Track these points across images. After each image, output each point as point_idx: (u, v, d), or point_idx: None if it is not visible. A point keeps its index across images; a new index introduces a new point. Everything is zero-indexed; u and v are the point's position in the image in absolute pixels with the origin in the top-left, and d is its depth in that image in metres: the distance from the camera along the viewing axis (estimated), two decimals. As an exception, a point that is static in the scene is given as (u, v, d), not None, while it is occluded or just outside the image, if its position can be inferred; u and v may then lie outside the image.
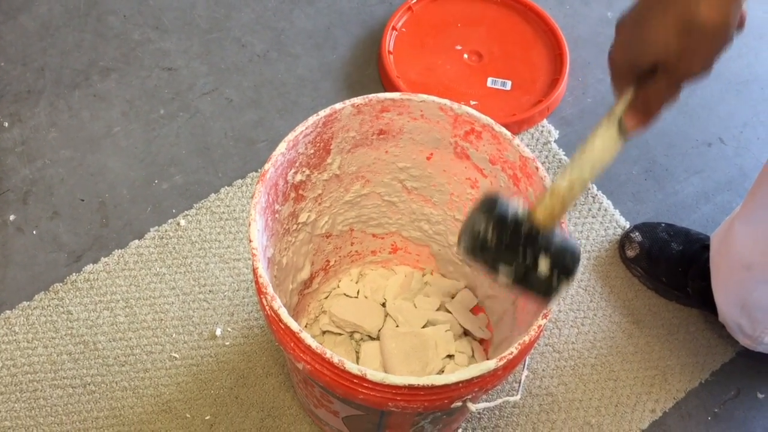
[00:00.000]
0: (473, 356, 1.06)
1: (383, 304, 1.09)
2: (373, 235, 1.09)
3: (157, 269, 1.16)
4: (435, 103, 0.88)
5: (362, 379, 0.71)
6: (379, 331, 1.06)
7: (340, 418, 0.90)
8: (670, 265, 1.13)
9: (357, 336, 1.07)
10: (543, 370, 1.10)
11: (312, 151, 0.89)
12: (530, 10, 1.41)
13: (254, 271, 0.77)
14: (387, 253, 1.12)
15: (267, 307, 0.76)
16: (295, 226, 0.95)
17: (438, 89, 1.31)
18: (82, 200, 1.22)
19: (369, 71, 1.38)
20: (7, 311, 1.11)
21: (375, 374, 0.70)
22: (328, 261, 1.07)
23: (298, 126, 0.85)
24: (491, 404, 0.81)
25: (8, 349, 1.08)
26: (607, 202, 1.25)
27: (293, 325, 0.72)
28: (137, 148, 1.28)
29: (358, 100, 0.87)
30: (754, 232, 0.94)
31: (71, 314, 1.11)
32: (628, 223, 1.23)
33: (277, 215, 0.88)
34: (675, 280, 1.13)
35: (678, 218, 1.25)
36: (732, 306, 1.00)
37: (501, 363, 0.72)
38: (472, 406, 0.76)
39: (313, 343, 0.72)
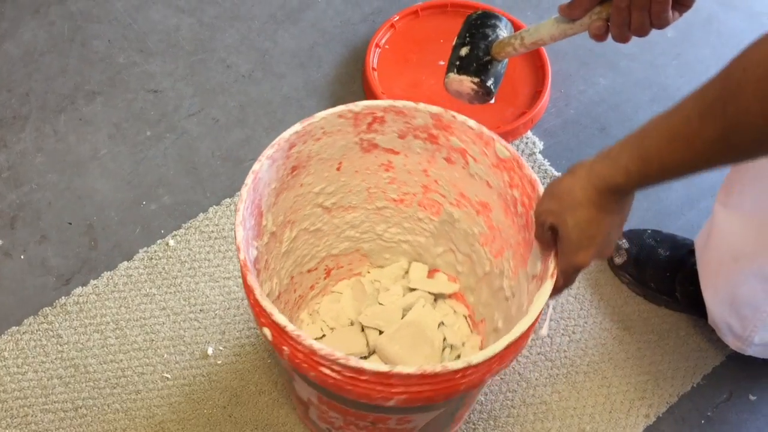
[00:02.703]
0: (455, 312, 1.09)
1: (351, 324, 1.08)
2: (308, 271, 1.06)
3: (147, 290, 1.15)
4: (334, 115, 0.89)
5: (448, 373, 0.71)
6: (368, 346, 1.06)
7: None
8: (658, 271, 1.14)
9: None
10: (536, 379, 1.10)
11: (253, 222, 0.85)
12: (511, 24, 1.42)
13: (274, 327, 0.75)
14: (323, 280, 1.10)
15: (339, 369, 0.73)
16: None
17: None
18: (70, 223, 1.22)
19: (354, 88, 1.40)
20: (-4, 337, 1.10)
21: (454, 364, 0.71)
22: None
23: (239, 203, 0.81)
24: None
25: (-2, 375, 1.07)
26: (593, 211, 1.26)
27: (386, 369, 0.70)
28: (124, 170, 1.28)
29: (270, 150, 0.85)
30: (738, 220, 0.94)
31: (61, 338, 1.11)
32: (615, 230, 1.24)
33: None
34: (663, 285, 1.14)
35: (664, 225, 1.26)
36: (721, 304, 1.01)
37: (532, 313, 0.75)
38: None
39: (411, 369, 0.70)
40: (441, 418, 0.89)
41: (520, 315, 0.86)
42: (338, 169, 0.96)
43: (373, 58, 1.38)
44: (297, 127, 0.87)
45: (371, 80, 1.34)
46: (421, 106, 0.90)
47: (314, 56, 1.44)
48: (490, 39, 0.88)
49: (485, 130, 0.89)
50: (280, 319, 0.73)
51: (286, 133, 0.86)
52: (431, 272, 1.11)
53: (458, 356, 1.06)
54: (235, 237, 0.79)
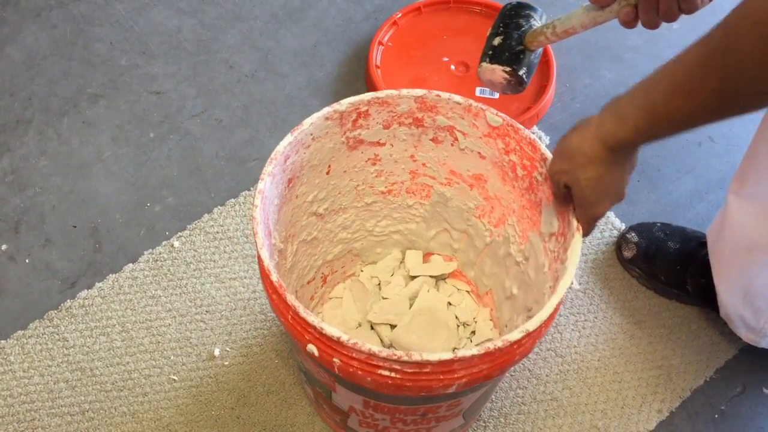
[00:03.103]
0: (459, 290, 1.10)
1: (359, 326, 1.07)
2: (308, 282, 1.04)
3: (153, 292, 1.14)
4: (320, 118, 0.86)
5: (508, 346, 0.71)
6: (383, 343, 1.05)
7: (461, 414, 0.89)
8: (668, 264, 1.13)
9: None
10: (546, 375, 1.09)
11: (268, 243, 0.82)
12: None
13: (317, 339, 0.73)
14: (320, 288, 1.08)
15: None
16: None
17: (427, 101, 1.31)
18: (75, 226, 1.21)
19: (357, 86, 1.39)
20: (2, 341, 1.09)
21: (513, 335, 0.71)
22: None
23: (254, 225, 0.79)
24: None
25: (4, 379, 1.07)
26: (601, 205, 1.25)
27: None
28: (128, 172, 1.27)
29: (269, 166, 0.82)
30: (753, 210, 0.93)
31: (67, 341, 1.10)
32: (623, 224, 1.23)
33: None
34: (674, 278, 1.12)
35: (673, 218, 1.24)
36: (734, 296, 0.99)
37: (570, 270, 0.77)
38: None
39: (474, 351, 0.70)
40: (484, 395, 0.89)
41: (542, 276, 0.87)
42: (327, 173, 0.94)
43: (377, 56, 1.37)
44: (289, 137, 0.84)
45: (375, 78, 1.33)
46: (404, 92, 0.89)
47: (317, 55, 1.43)
48: (523, 29, 0.88)
49: (473, 102, 0.88)
50: (332, 331, 0.70)
51: (281, 146, 0.84)
52: (426, 256, 1.11)
53: (473, 332, 1.07)
54: (261, 261, 0.75)
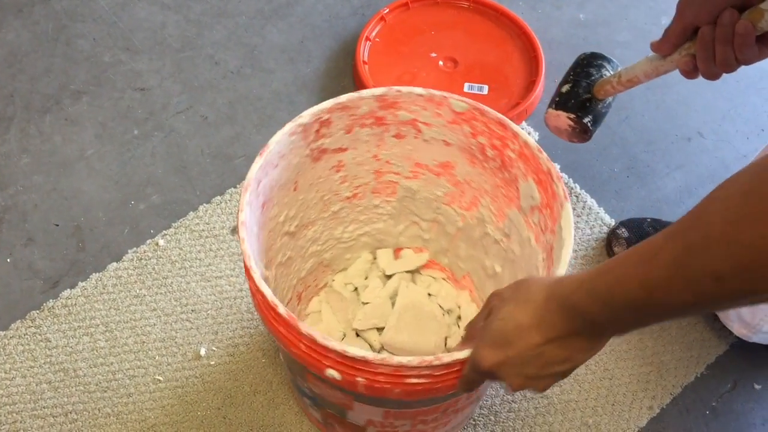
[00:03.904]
0: (435, 279, 1.09)
1: (344, 336, 1.05)
2: (286, 304, 1.01)
3: (137, 291, 1.13)
4: (285, 135, 0.83)
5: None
6: (373, 348, 1.03)
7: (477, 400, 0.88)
8: (658, 260, 1.11)
9: None
10: (537, 373, 1.08)
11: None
12: (503, 15, 1.41)
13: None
14: (297, 306, 1.05)
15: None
16: None
17: (415, 96, 1.30)
18: (57, 225, 1.19)
19: (345, 83, 1.37)
20: (-17, 342, 1.07)
21: None
22: None
23: (246, 261, 0.75)
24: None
25: (-15, 381, 1.05)
26: (591, 201, 1.24)
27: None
28: (112, 169, 1.25)
29: (247, 195, 0.78)
30: None
31: (49, 342, 1.08)
32: (613, 220, 1.22)
33: None
34: (664, 274, 1.11)
35: (662, 213, 1.24)
36: None
37: (568, 240, 0.75)
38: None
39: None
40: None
41: (528, 249, 0.87)
42: (295, 189, 0.91)
43: (364, 52, 1.36)
44: (259, 161, 0.81)
45: (362, 74, 1.32)
46: (365, 92, 0.86)
47: (304, 51, 1.41)
48: (593, 78, 0.89)
49: (435, 92, 0.87)
50: (356, 352, 0.67)
51: (252, 171, 0.80)
52: (395, 252, 1.10)
53: (458, 317, 1.06)
54: (263, 296, 0.72)
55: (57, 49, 1.39)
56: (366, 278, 1.08)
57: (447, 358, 0.67)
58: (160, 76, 1.36)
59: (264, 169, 0.82)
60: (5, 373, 1.05)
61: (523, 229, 0.88)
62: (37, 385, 1.05)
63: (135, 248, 1.16)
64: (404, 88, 0.87)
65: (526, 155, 0.84)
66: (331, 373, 0.70)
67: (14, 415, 1.02)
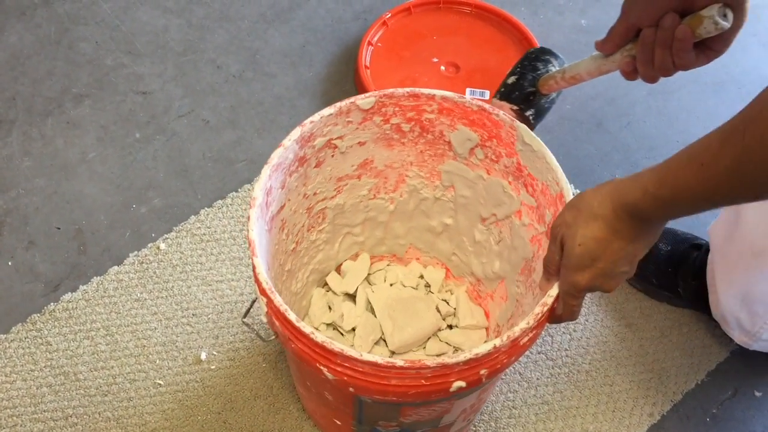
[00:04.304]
0: (383, 268, 1.11)
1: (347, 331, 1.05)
2: None
3: (138, 295, 1.13)
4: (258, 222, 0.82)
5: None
6: (373, 346, 1.04)
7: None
8: (660, 266, 1.12)
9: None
10: (537, 379, 1.08)
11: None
12: (505, 20, 1.41)
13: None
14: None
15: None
16: None
17: (417, 101, 1.30)
18: (59, 228, 1.19)
19: (346, 87, 1.37)
20: (-16, 345, 1.07)
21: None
22: None
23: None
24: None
25: (-15, 384, 1.05)
26: (592, 207, 1.24)
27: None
28: (113, 173, 1.25)
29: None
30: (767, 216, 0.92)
31: (50, 345, 1.08)
32: (614, 226, 1.22)
33: None
34: (665, 280, 1.12)
35: (664, 220, 1.24)
36: (733, 298, 0.98)
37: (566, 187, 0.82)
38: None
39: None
40: None
41: (483, 184, 0.95)
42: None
43: (366, 56, 1.36)
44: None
45: (364, 78, 1.32)
46: (287, 141, 0.85)
47: (306, 55, 1.41)
48: (539, 72, 0.91)
49: (342, 103, 0.88)
50: (459, 357, 0.69)
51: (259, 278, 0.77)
52: (338, 269, 1.09)
53: (426, 285, 1.10)
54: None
55: (59, 53, 1.39)
56: (331, 310, 1.06)
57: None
58: (162, 80, 1.37)
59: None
60: (6, 376, 1.05)
61: (468, 172, 0.95)
62: (37, 388, 1.05)
63: (136, 252, 1.16)
64: (316, 116, 0.86)
65: (448, 108, 0.90)
66: (458, 384, 0.72)
67: (14, 418, 1.02)
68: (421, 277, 1.11)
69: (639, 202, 0.64)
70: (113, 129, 1.30)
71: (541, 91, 0.90)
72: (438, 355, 1.03)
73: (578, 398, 1.07)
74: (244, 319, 0.87)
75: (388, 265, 1.12)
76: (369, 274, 1.10)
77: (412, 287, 1.09)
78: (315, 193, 0.96)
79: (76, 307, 1.11)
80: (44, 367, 1.06)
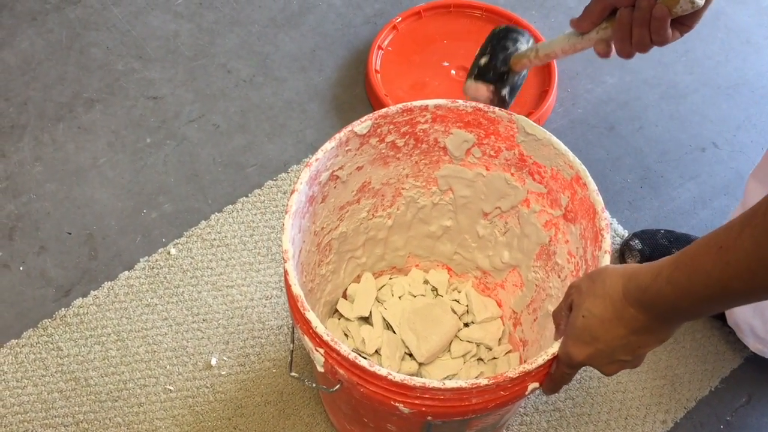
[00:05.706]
0: (387, 283, 1.11)
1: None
2: None
3: (149, 300, 1.13)
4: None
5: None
6: (407, 357, 1.04)
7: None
8: (673, 272, 1.11)
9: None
10: (549, 385, 1.07)
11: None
12: (516, 24, 1.40)
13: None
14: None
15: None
16: None
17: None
18: (70, 233, 1.20)
19: (357, 91, 1.37)
20: (-5, 350, 1.08)
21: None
22: None
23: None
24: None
25: (-3, 390, 1.05)
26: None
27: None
28: (124, 178, 1.26)
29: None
30: None
31: (61, 350, 1.08)
32: (626, 231, 1.21)
33: None
34: (678, 287, 1.10)
35: (676, 224, 1.23)
36: (745, 305, 0.97)
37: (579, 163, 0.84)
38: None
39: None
40: None
41: (484, 180, 0.96)
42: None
43: (376, 60, 1.36)
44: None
45: (374, 83, 1.32)
46: (295, 196, 0.84)
47: (316, 60, 1.41)
48: (509, 51, 0.92)
49: (340, 134, 0.87)
50: (525, 367, 0.70)
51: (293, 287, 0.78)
52: (343, 295, 1.08)
53: (433, 288, 1.10)
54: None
55: (70, 58, 1.40)
56: (348, 337, 1.05)
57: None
58: (173, 85, 1.37)
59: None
60: (17, 381, 1.05)
61: (465, 173, 0.96)
62: (48, 394, 1.05)
63: (147, 257, 1.16)
64: (319, 153, 0.86)
65: (441, 115, 0.91)
66: (533, 386, 0.72)
67: (25, 423, 1.02)
68: (426, 282, 1.10)
69: (650, 286, 0.60)
70: (124, 134, 1.31)
71: (514, 69, 0.92)
72: (463, 356, 1.03)
73: (590, 405, 1.06)
74: (292, 374, 0.83)
75: (390, 278, 1.10)
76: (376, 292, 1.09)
77: (421, 295, 1.08)
78: (322, 228, 0.95)
79: (87, 313, 1.11)
80: (55, 372, 1.06)
